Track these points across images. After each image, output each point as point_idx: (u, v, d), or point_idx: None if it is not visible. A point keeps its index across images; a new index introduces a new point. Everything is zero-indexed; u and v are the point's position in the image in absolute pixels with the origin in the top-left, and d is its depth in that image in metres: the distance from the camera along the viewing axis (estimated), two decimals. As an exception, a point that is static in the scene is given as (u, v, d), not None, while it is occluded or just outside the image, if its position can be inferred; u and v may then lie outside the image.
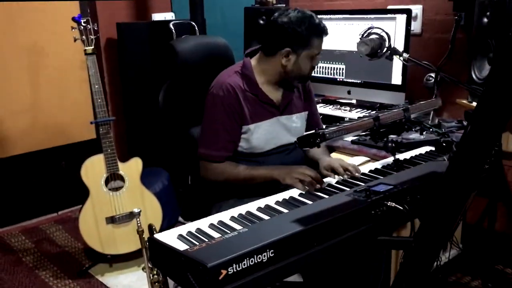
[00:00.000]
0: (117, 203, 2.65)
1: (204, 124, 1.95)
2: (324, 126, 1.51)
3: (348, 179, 1.72)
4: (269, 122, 1.96)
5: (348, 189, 1.57)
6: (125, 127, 3.69)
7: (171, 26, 3.25)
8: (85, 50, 2.58)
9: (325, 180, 1.71)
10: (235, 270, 1.10)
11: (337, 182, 1.70)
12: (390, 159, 1.81)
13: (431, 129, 2.26)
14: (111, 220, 2.65)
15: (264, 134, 1.94)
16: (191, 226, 1.37)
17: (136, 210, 1.92)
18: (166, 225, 2.84)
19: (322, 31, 1.92)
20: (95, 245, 2.65)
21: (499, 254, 2.66)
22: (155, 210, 2.75)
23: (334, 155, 2.33)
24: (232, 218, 1.43)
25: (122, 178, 2.68)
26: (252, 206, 1.51)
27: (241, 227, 1.31)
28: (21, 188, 3.41)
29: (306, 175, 1.68)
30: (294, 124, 2.03)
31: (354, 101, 2.81)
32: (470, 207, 2.62)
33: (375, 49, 1.92)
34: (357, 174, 1.72)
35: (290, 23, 1.85)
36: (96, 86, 2.60)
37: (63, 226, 3.37)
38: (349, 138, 2.33)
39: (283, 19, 1.86)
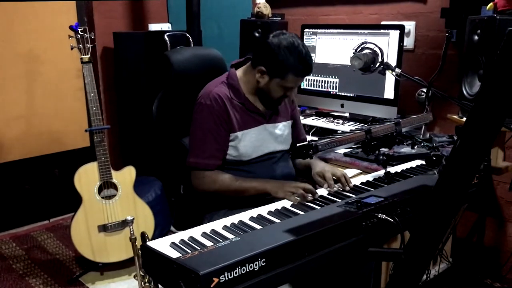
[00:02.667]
0: (109, 211, 2.66)
1: (193, 134, 1.97)
2: (316, 138, 1.53)
3: (340, 191, 1.74)
4: (256, 130, 1.98)
5: (339, 200, 1.59)
6: (119, 136, 3.70)
7: (165, 37, 3.28)
8: (81, 58, 2.60)
9: (317, 191, 1.73)
10: (227, 278, 1.11)
11: (329, 194, 1.72)
12: (381, 172, 1.84)
13: (422, 143, 2.29)
14: (103, 228, 2.65)
15: (251, 142, 1.96)
16: (184, 235, 1.38)
17: (129, 218, 1.92)
18: (158, 234, 2.84)
19: (301, 73, 1.89)
20: (87, 253, 2.65)
21: (488, 268, 2.68)
22: (148, 219, 2.76)
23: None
24: (225, 227, 1.45)
25: (115, 187, 2.68)
26: (244, 216, 1.52)
27: (234, 236, 1.32)
28: (14, 194, 3.40)
29: (298, 187, 1.70)
30: (280, 132, 2.05)
31: (347, 114, 2.84)
32: (460, 222, 2.65)
33: (368, 64, 1.95)
34: (347, 188, 1.75)
35: (276, 47, 1.84)
36: (92, 94, 2.61)
37: (54, 233, 3.36)
38: (342, 150, 2.36)
39: (273, 39, 1.86)
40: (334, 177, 1.80)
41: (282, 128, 2.07)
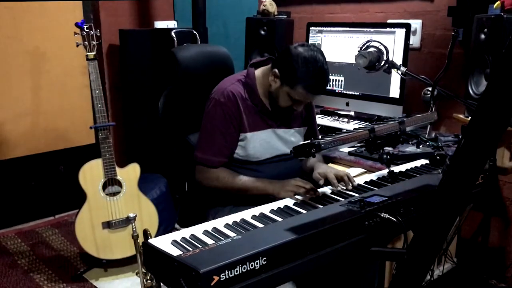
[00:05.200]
0: (113, 208, 2.66)
1: (203, 129, 1.96)
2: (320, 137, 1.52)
3: (343, 190, 1.73)
4: (265, 133, 1.96)
5: (342, 199, 1.58)
6: (124, 133, 3.70)
7: (172, 34, 3.28)
8: (87, 55, 2.61)
9: (320, 190, 1.72)
10: (227, 277, 1.10)
11: (331, 193, 1.71)
12: (385, 171, 1.83)
13: (427, 143, 2.28)
14: (107, 225, 2.66)
15: (260, 143, 1.95)
16: (186, 232, 1.38)
17: (131, 215, 1.93)
18: (163, 231, 2.85)
19: (311, 88, 1.82)
20: (91, 249, 2.66)
21: (493, 269, 2.66)
22: (152, 216, 2.76)
23: (330, 166, 2.34)
24: (227, 225, 1.44)
25: (119, 184, 2.69)
26: (246, 214, 1.52)
27: (235, 234, 1.32)
28: (19, 190, 3.42)
29: (299, 187, 1.69)
30: (292, 138, 2.03)
31: (352, 113, 2.83)
32: (465, 222, 2.63)
33: (373, 62, 1.93)
34: (350, 187, 1.73)
35: (295, 55, 1.79)
36: (97, 91, 2.62)
37: (59, 230, 3.37)
38: (346, 149, 2.35)
39: (295, 47, 1.82)
40: (337, 177, 1.78)
41: (294, 134, 2.04)
